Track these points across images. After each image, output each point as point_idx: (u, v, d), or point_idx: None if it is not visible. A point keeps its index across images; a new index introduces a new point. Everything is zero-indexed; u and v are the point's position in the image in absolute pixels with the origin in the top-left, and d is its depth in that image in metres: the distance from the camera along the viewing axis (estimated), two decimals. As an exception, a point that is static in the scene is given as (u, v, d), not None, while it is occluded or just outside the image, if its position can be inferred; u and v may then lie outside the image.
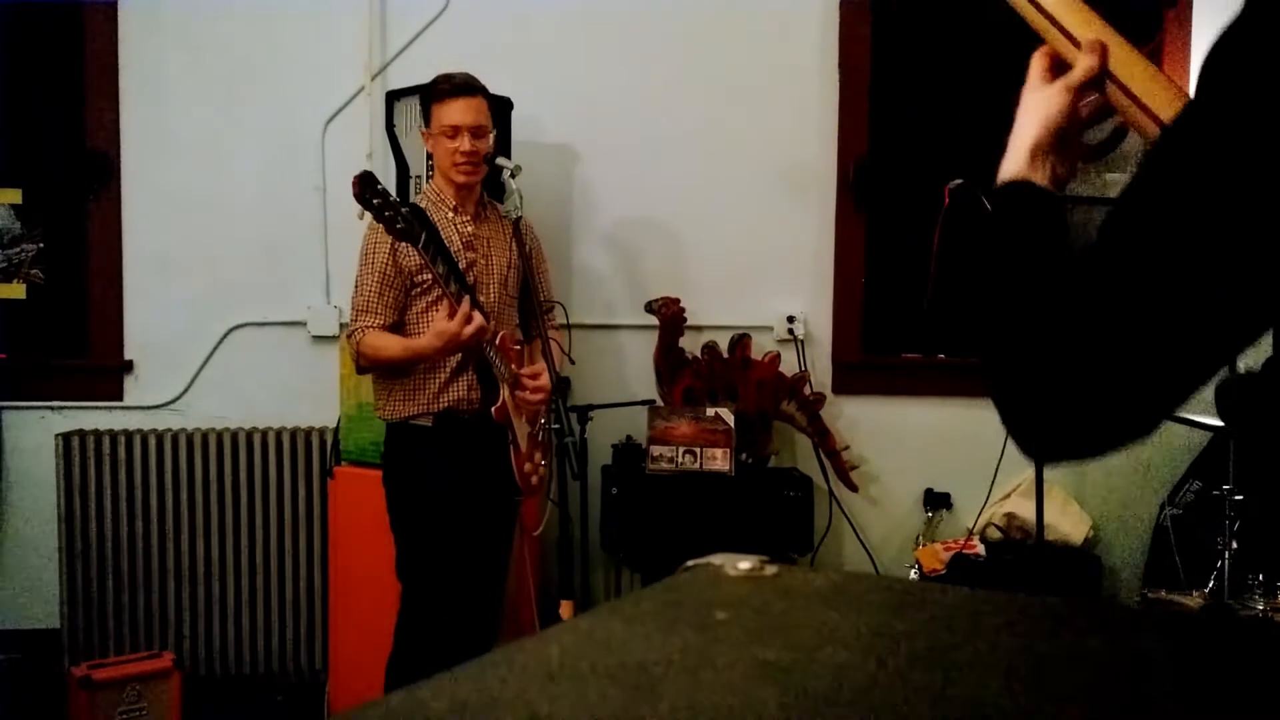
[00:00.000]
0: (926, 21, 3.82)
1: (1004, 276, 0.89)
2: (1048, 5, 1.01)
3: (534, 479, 2.82)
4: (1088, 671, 0.61)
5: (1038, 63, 1.04)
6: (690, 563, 0.75)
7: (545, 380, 2.76)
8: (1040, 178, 1.00)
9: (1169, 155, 0.78)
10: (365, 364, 2.69)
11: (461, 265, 2.68)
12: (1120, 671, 0.61)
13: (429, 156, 2.86)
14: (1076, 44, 1.00)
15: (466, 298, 2.53)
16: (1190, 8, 3.77)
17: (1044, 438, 0.82)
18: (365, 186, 2.34)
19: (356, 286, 2.69)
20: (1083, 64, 0.99)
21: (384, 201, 2.36)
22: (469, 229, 2.75)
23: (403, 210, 2.38)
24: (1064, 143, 1.02)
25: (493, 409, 2.67)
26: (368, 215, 2.49)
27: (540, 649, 0.54)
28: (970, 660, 0.58)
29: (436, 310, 2.64)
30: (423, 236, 2.43)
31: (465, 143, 2.66)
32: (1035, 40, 1.06)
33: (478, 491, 2.72)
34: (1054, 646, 0.64)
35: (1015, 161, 1.01)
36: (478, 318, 2.52)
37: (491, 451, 2.73)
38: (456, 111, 2.67)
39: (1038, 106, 1.02)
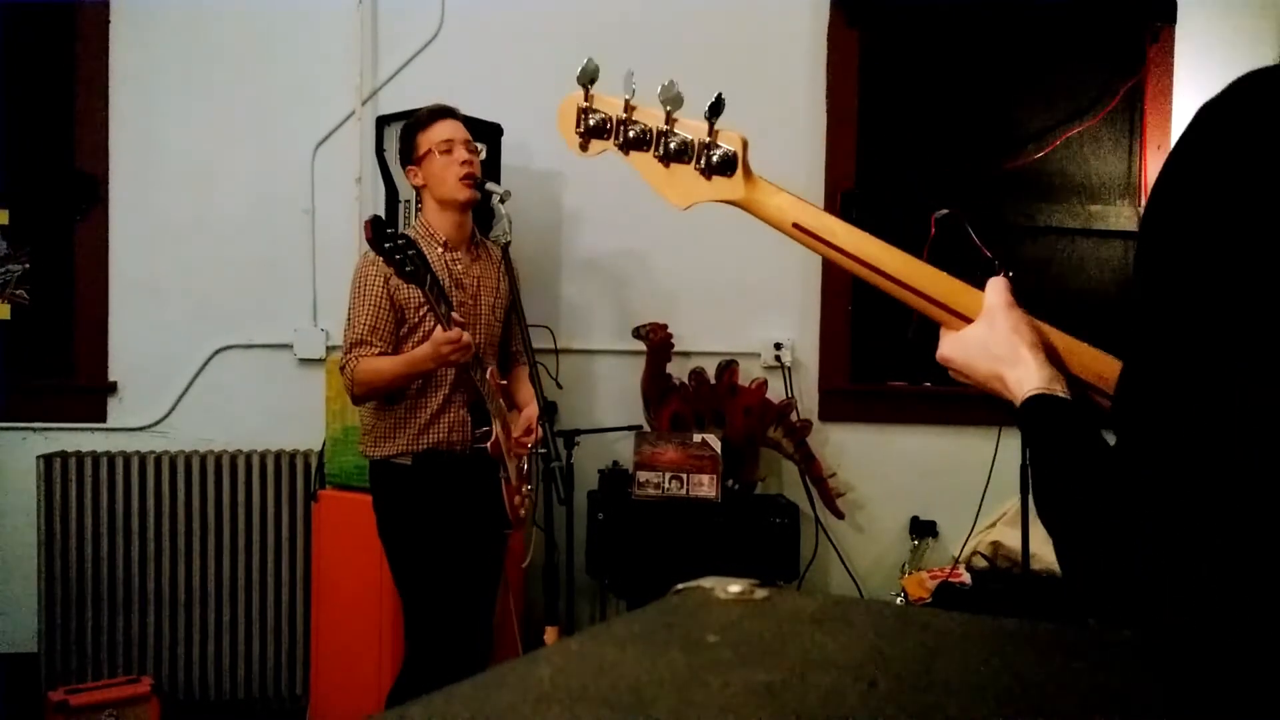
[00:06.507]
0: (914, 53, 3.86)
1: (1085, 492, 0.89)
2: (889, 265, 1.11)
3: (521, 511, 2.81)
4: (1078, 697, 0.61)
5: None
6: (680, 586, 0.74)
7: (537, 434, 2.74)
8: (1061, 388, 1.02)
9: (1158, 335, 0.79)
10: (361, 391, 2.61)
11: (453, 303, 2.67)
12: (1110, 698, 0.61)
13: (417, 193, 2.84)
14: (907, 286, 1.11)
15: (457, 320, 2.52)
16: (1173, 42, 3.83)
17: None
18: (377, 231, 2.32)
19: (350, 320, 2.64)
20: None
21: (394, 245, 2.33)
22: (459, 267, 2.73)
23: (410, 252, 2.37)
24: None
25: (489, 445, 2.66)
26: (360, 245, 2.47)
27: (531, 670, 0.54)
28: (961, 684, 0.58)
29: None
30: (429, 278, 2.42)
31: (463, 153, 2.66)
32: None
33: (465, 526, 2.69)
34: (1045, 672, 0.64)
35: (1037, 376, 1.02)
36: (467, 337, 2.51)
37: (479, 486, 2.71)
38: (445, 129, 2.67)
39: (1015, 328, 1.06)
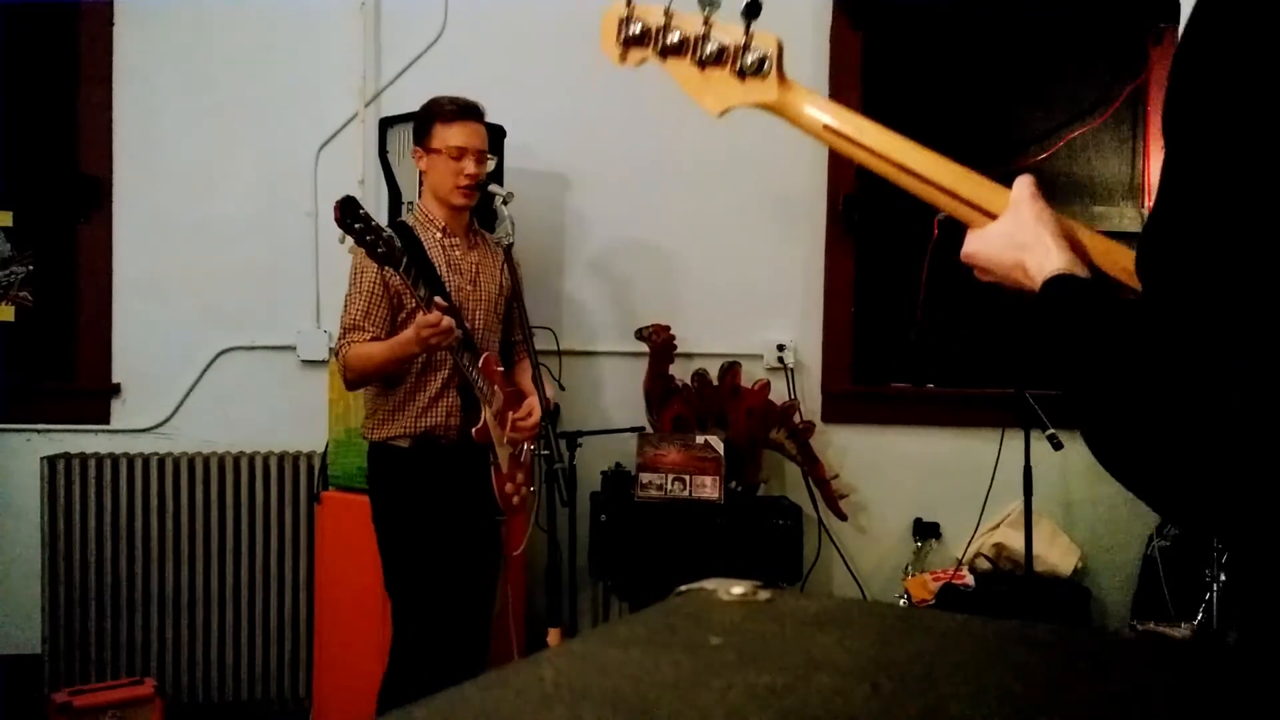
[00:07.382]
0: (917, 56, 3.86)
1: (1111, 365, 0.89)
2: (944, 179, 1.14)
3: (515, 499, 2.82)
4: (1080, 699, 0.61)
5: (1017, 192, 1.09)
6: (683, 587, 0.74)
7: (535, 418, 2.75)
8: (1082, 272, 1.01)
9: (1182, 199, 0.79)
10: (353, 376, 2.65)
11: (448, 288, 2.68)
12: (1112, 700, 0.61)
13: (420, 176, 2.85)
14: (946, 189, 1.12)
15: (438, 303, 2.51)
16: (1175, 44, 3.83)
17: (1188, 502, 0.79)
18: (346, 212, 2.34)
19: (345, 305, 2.68)
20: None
21: (365, 226, 2.35)
22: (457, 253, 2.75)
23: (384, 234, 2.38)
24: None
25: (474, 430, 2.67)
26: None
27: (534, 671, 0.54)
28: (963, 687, 0.58)
29: None
30: (404, 260, 2.42)
31: (470, 165, 2.67)
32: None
33: (457, 512, 2.71)
34: (1046, 674, 0.64)
35: (1059, 259, 1.00)
36: (448, 321, 2.48)
37: (471, 472, 2.72)
38: (463, 134, 2.68)
39: (1039, 216, 1.06)
